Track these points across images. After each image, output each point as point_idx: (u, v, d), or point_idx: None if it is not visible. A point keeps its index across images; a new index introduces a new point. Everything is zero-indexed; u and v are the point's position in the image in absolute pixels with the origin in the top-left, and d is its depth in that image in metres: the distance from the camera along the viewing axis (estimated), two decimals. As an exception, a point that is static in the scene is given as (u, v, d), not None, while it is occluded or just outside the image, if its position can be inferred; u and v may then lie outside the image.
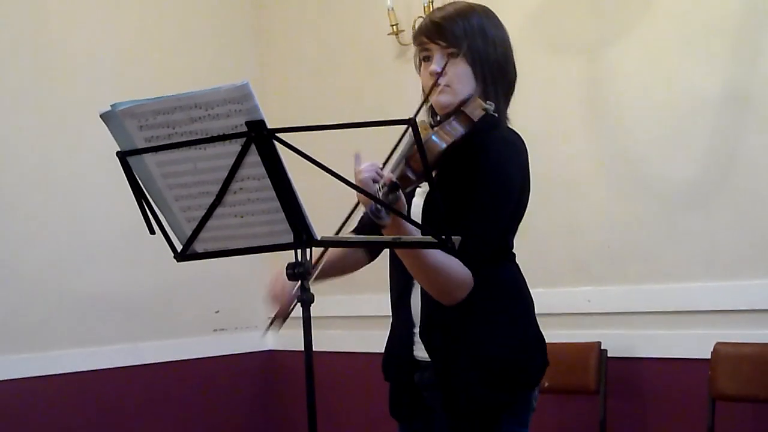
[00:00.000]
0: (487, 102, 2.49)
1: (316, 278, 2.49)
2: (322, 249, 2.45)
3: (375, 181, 2.22)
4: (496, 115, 2.51)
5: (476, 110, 2.46)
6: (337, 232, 2.36)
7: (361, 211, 2.42)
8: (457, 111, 2.47)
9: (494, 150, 2.47)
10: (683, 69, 3.90)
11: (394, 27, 4.75)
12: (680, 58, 3.91)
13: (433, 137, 2.31)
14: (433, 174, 2.33)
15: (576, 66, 4.23)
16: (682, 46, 3.90)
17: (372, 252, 2.84)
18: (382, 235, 2.31)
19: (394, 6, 4.74)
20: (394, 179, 2.20)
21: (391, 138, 2.40)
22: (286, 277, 2.17)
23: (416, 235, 2.30)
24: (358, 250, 2.80)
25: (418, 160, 2.26)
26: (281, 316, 2.54)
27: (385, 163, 2.34)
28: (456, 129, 2.42)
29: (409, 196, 2.58)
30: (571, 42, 4.26)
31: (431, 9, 4.52)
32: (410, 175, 2.32)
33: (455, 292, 2.43)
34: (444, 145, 2.38)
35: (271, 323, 2.56)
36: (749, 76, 3.73)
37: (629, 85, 4.05)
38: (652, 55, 3.99)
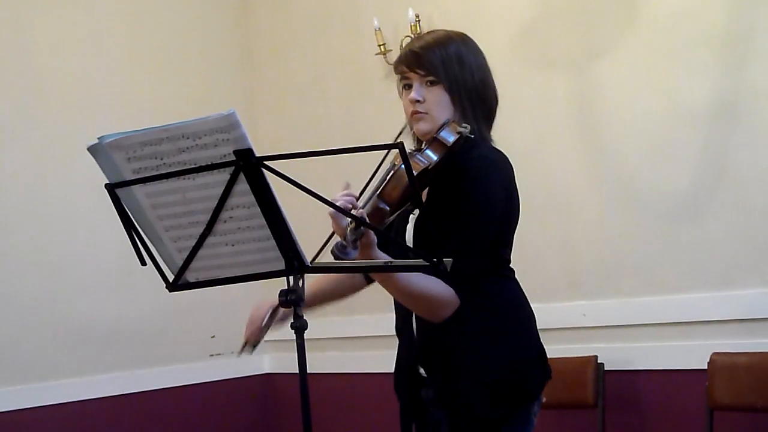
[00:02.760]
0: (462, 125, 2.53)
1: (310, 307, 2.62)
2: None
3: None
4: (472, 136, 2.55)
5: (450, 134, 2.51)
6: (313, 260, 2.37)
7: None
8: (431, 137, 2.53)
9: (472, 168, 2.52)
10: (671, 81, 3.91)
11: (382, 47, 4.76)
12: (668, 70, 3.92)
13: (401, 167, 2.34)
14: (408, 204, 2.41)
15: (564, 81, 4.24)
16: (670, 58, 3.91)
17: (369, 276, 2.86)
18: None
19: (381, 26, 4.74)
20: (364, 215, 2.24)
21: (380, 160, 2.42)
22: (265, 304, 2.35)
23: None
24: (355, 275, 2.86)
25: (389, 192, 2.33)
26: (251, 343, 2.78)
27: (361, 193, 2.38)
28: (428, 156, 2.48)
29: (403, 223, 2.64)
30: (559, 57, 4.27)
31: (418, 29, 4.55)
32: (383, 206, 2.35)
33: (438, 311, 2.48)
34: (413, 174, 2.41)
35: (242, 348, 2.81)
36: (737, 86, 3.74)
37: (618, 99, 4.06)
38: (640, 67, 4.00)
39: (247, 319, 2.79)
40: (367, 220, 2.24)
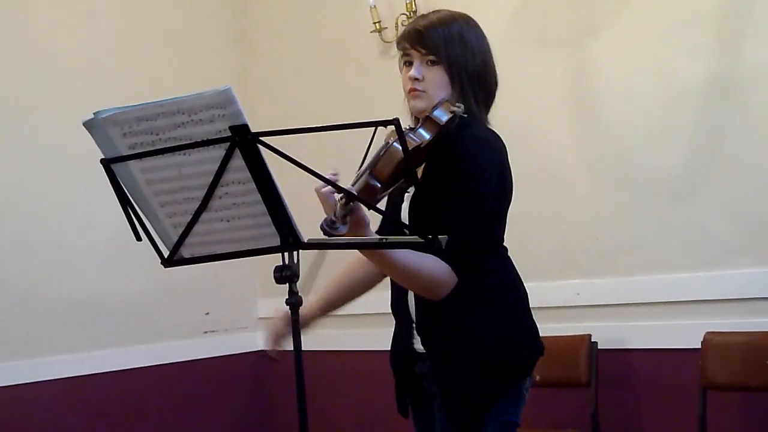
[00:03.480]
0: (456, 104, 2.56)
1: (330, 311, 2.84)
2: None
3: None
4: (466, 115, 2.57)
5: (443, 114, 2.53)
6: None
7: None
8: (425, 116, 2.54)
9: (465, 147, 2.54)
10: (666, 60, 3.91)
11: (377, 24, 4.75)
12: (663, 49, 3.92)
13: (394, 144, 2.35)
14: (401, 181, 2.42)
15: (558, 60, 4.24)
16: (664, 37, 3.91)
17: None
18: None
19: (376, 4, 4.73)
20: (353, 190, 2.23)
21: (376, 137, 2.42)
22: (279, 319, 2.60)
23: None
24: (368, 266, 2.84)
25: (381, 170, 2.34)
26: (274, 354, 2.85)
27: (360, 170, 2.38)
28: (420, 135, 2.49)
29: (398, 201, 2.68)
30: (553, 37, 4.27)
31: (413, 6, 4.54)
32: (374, 183, 2.34)
33: (436, 288, 2.51)
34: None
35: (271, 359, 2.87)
36: (732, 65, 3.74)
37: (612, 78, 4.06)
38: (634, 47, 4.00)
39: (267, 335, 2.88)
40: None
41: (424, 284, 2.51)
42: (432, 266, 2.46)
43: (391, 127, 2.17)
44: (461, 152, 2.53)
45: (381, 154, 2.36)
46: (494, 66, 2.70)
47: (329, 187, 2.25)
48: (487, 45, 2.69)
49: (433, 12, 2.72)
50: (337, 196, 2.24)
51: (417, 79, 2.60)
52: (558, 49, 4.24)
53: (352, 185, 2.29)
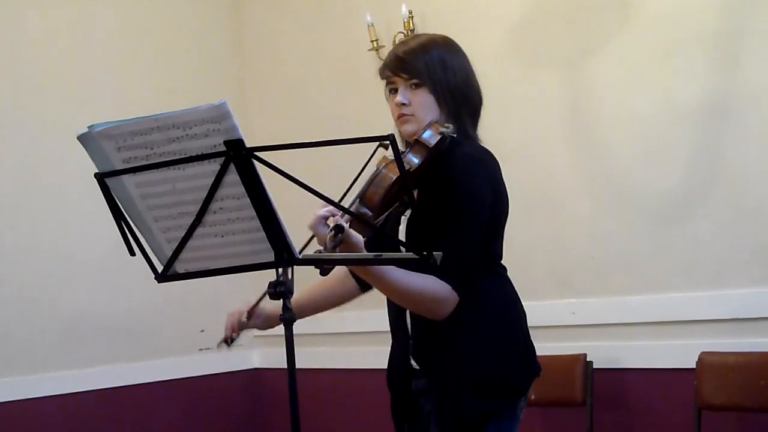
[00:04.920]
0: (445, 125, 2.59)
1: (301, 316, 2.66)
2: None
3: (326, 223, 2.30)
4: (455, 135, 2.61)
5: (432, 136, 2.55)
6: (301, 251, 2.37)
7: None
8: (414, 140, 2.57)
9: (457, 166, 2.56)
10: (662, 80, 3.91)
11: (374, 42, 4.75)
12: (661, 69, 3.92)
13: (382, 170, 2.37)
14: (395, 205, 2.46)
15: (557, 80, 4.24)
16: (662, 57, 3.92)
17: (364, 284, 2.89)
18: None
19: (373, 22, 4.74)
20: (342, 222, 2.24)
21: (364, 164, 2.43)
22: (244, 305, 2.53)
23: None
24: (347, 282, 2.93)
25: (370, 197, 2.37)
26: (225, 339, 2.82)
27: (342, 198, 2.39)
28: (409, 160, 2.51)
29: (395, 224, 2.69)
30: (551, 56, 4.27)
31: (411, 25, 4.55)
32: (365, 211, 2.37)
33: (438, 309, 2.51)
34: (393, 177, 2.43)
35: (219, 343, 2.84)
36: (730, 85, 3.75)
37: (609, 98, 4.06)
38: (631, 66, 4.00)
39: (227, 317, 2.85)
40: (346, 226, 2.24)
41: (426, 305, 2.52)
42: (433, 287, 2.47)
43: (381, 153, 2.19)
44: (453, 173, 2.55)
45: (370, 180, 2.38)
46: (476, 82, 2.73)
47: (317, 219, 2.28)
48: (468, 62, 2.73)
49: (411, 38, 2.78)
50: (327, 228, 2.26)
51: (404, 104, 2.63)
52: (556, 68, 4.25)
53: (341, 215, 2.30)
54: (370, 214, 2.37)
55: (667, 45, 3.90)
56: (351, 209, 2.32)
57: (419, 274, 2.43)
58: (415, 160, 2.51)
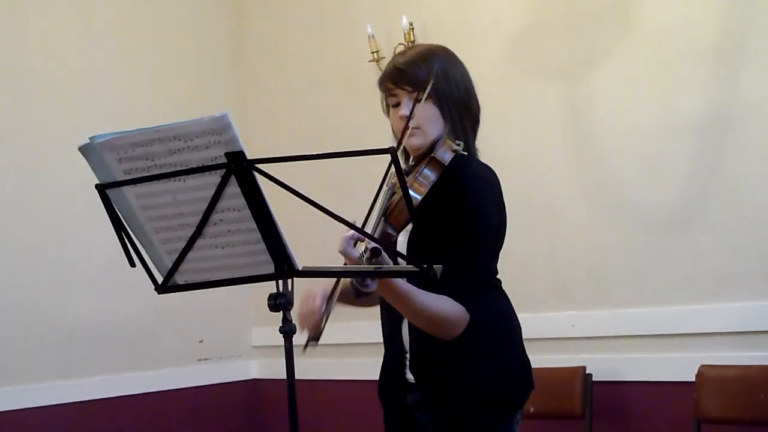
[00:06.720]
0: (456, 142, 2.57)
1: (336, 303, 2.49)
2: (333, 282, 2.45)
3: (355, 247, 2.28)
4: (466, 153, 2.60)
5: (446, 153, 2.54)
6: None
7: None
8: (429, 157, 2.55)
9: (470, 188, 2.55)
10: (664, 92, 3.92)
11: (375, 54, 4.76)
12: (661, 82, 3.93)
13: (410, 192, 2.35)
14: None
15: (556, 91, 4.25)
16: (662, 70, 3.92)
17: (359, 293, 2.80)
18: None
19: (374, 33, 4.75)
20: (375, 245, 2.23)
21: (372, 166, 2.41)
22: (317, 293, 2.37)
23: (405, 287, 2.39)
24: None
25: (396, 217, 2.38)
26: (313, 336, 2.50)
27: (365, 222, 2.35)
28: (428, 177, 2.50)
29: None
30: (551, 67, 4.28)
31: (411, 36, 4.55)
32: (390, 231, 2.39)
33: (452, 331, 2.51)
34: (419, 198, 2.46)
35: (306, 345, 2.49)
36: (730, 98, 3.75)
37: (609, 109, 4.07)
38: (631, 78, 4.01)
39: (298, 314, 2.50)
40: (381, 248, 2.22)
41: (441, 328, 2.50)
42: (449, 309, 2.47)
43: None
44: (462, 191, 2.54)
45: (397, 200, 2.38)
46: (475, 92, 2.70)
47: (346, 241, 2.26)
48: (467, 72, 2.70)
49: (409, 48, 2.74)
50: (360, 248, 2.25)
51: (408, 117, 2.55)
52: (556, 79, 4.25)
53: (372, 232, 2.29)
54: (395, 234, 2.39)
55: (667, 57, 3.91)
56: (378, 229, 2.33)
57: (437, 295, 2.43)
58: (433, 177, 2.51)
